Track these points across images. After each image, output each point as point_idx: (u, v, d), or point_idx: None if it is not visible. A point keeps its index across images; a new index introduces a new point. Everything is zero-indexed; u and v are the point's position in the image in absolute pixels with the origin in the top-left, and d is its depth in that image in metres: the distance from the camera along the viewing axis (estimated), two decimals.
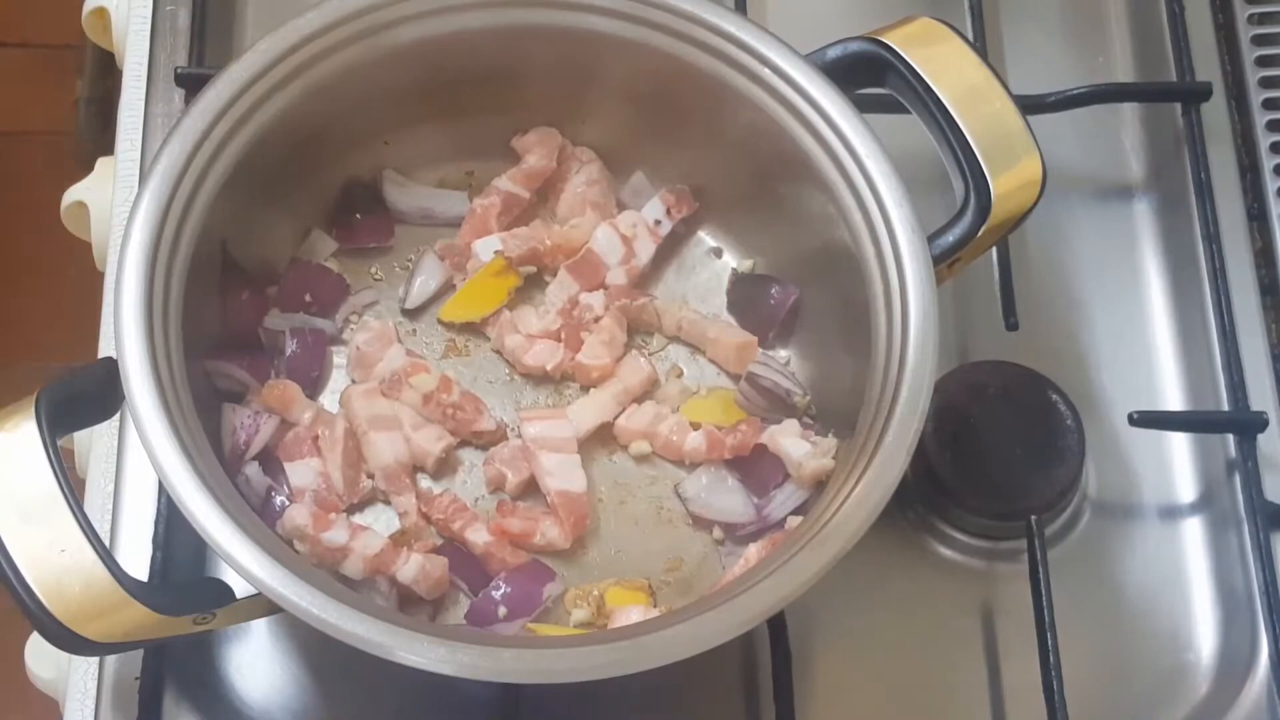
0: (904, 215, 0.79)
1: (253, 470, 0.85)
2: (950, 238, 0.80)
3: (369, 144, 0.91)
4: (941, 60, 0.82)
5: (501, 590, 0.83)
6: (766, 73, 0.83)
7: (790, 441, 0.85)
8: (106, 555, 0.70)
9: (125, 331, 0.75)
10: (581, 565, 0.86)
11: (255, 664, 0.85)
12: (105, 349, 0.89)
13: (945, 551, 0.89)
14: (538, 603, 0.83)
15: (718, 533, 0.86)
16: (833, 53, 0.83)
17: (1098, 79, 1.00)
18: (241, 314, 0.88)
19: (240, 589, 0.74)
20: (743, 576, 0.76)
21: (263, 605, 0.73)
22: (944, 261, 0.80)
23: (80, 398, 0.76)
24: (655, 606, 0.83)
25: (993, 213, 0.79)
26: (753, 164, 0.88)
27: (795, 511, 0.85)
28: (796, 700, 0.82)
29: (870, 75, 0.84)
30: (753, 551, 0.84)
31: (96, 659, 0.83)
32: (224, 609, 0.74)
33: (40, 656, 0.88)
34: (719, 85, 0.85)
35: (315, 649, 0.84)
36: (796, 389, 0.88)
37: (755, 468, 0.86)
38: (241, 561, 0.71)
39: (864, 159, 0.80)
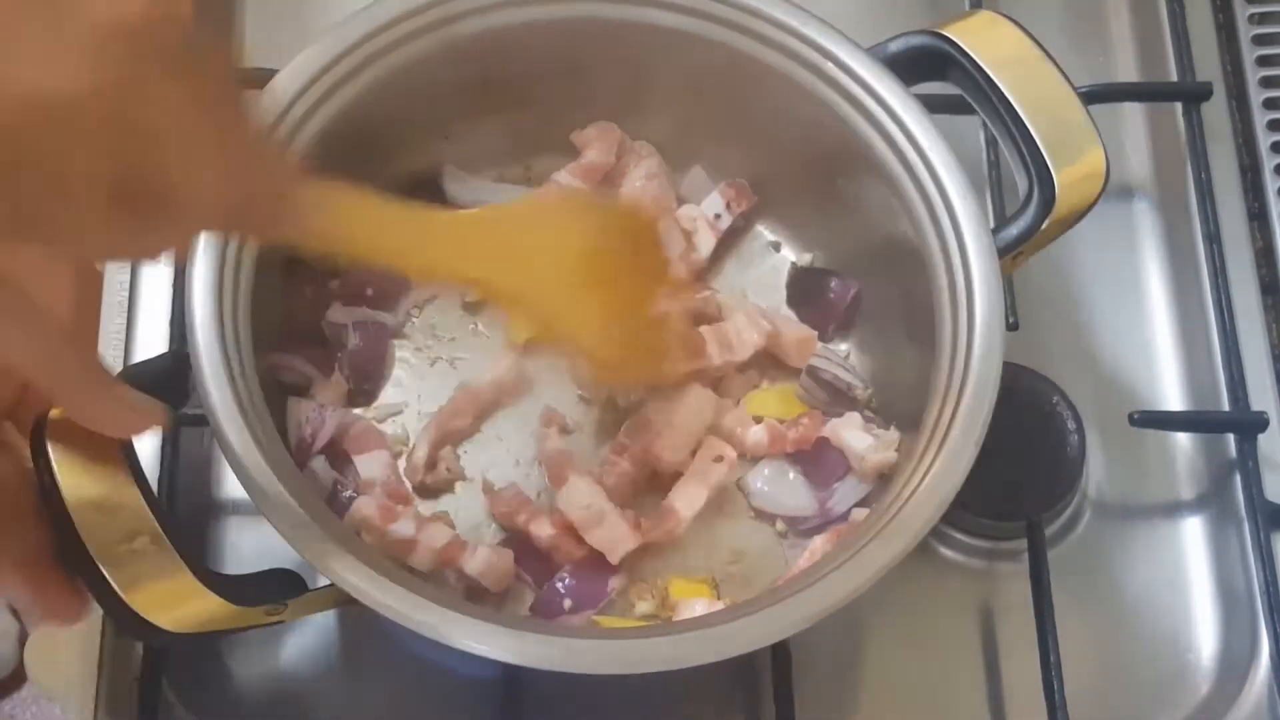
0: (969, 209, 0.79)
1: (319, 464, 0.84)
2: (1015, 230, 0.80)
3: (430, 139, 0.91)
4: (1003, 53, 0.81)
5: (566, 583, 0.82)
6: (829, 66, 0.82)
7: (852, 435, 0.84)
8: (181, 547, 0.69)
9: (196, 324, 0.75)
10: (643, 557, 0.85)
11: (255, 664, 0.85)
12: (103, 346, 0.89)
13: (945, 551, 0.89)
14: (602, 595, 0.82)
15: (780, 525, 0.86)
16: (894, 46, 0.83)
17: (1098, 79, 1.00)
18: (305, 308, 0.88)
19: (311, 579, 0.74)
20: (809, 570, 0.75)
21: (334, 596, 0.73)
22: (1007, 255, 0.79)
23: (144, 389, 0.75)
24: (719, 599, 0.83)
25: (1056, 206, 0.79)
26: (813, 157, 0.87)
27: (859, 504, 0.84)
28: (796, 700, 0.82)
29: (932, 69, 0.83)
30: (818, 544, 0.83)
31: (96, 659, 0.83)
32: (296, 600, 0.74)
33: (40, 656, 0.88)
34: (780, 79, 0.84)
35: (315, 649, 0.84)
36: (857, 382, 0.88)
37: (818, 461, 0.86)
38: (330, 565, 0.71)
39: (927, 151, 0.80)
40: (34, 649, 0.88)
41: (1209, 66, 1.00)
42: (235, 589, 0.71)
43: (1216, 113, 0.99)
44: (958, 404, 0.75)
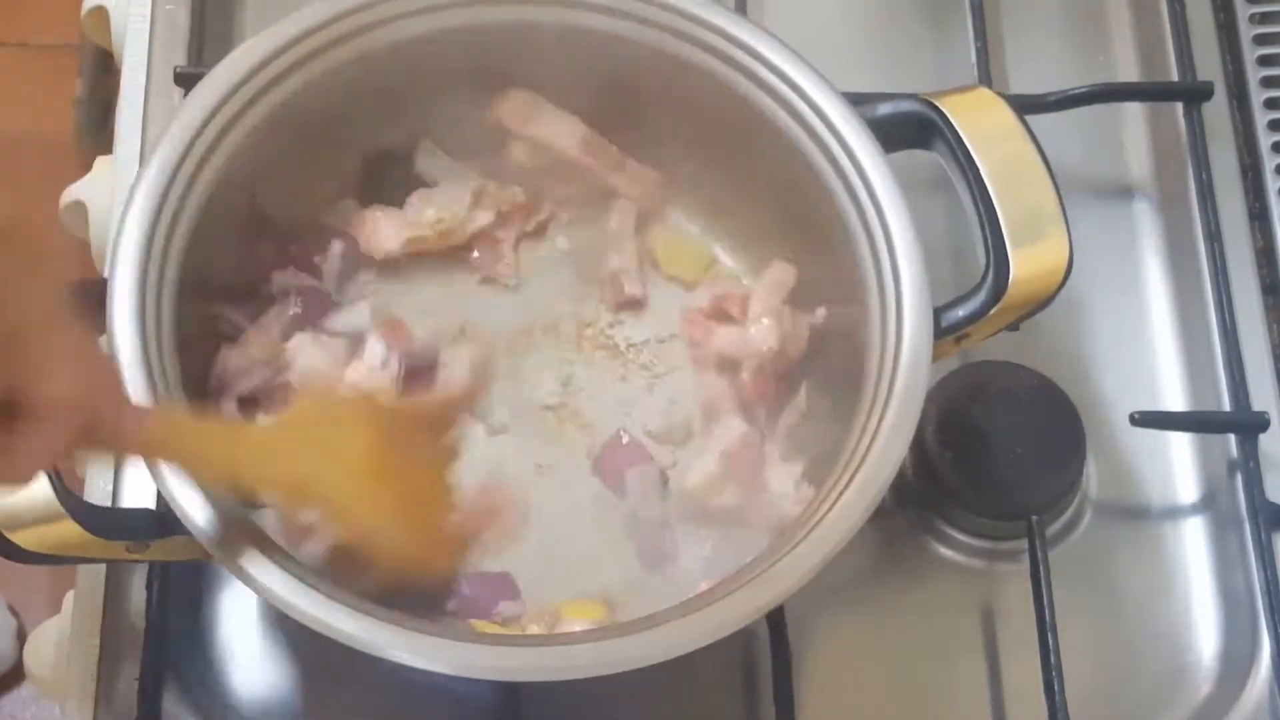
0: (915, 280, 0.78)
1: (228, 408, 0.85)
2: (961, 312, 0.79)
3: (410, 121, 0.91)
4: (990, 133, 0.81)
5: (461, 591, 0.82)
6: (809, 112, 0.82)
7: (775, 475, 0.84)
8: (51, 471, 0.70)
9: (121, 258, 0.77)
10: (541, 581, 0.84)
11: (255, 664, 0.85)
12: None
13: (945, 551, 0.89)
14: (489, 615, 0.82)
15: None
16: (883, 108, 0.83)
17: (1099, 78, 1.00)
18: (257, 264, 0.88)
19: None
20: (733, 577, 0.75)
21: (197, 546, 0.74)
22: (950, 335, 0.79)
23: None
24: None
25: (1009, 294, 0.78)
26: (780, 199, 0.87)
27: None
28: (796, 700, 0.82)
29: (917, 136, 0.82)
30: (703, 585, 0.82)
31: (96, 659, 0.83)
32: (159, 542, 0.75)
33: (39, 657, 0.88)
34: (761, 119, 0.84)
35: (315, 649, 0.84)
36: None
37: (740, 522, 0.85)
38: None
39: (888, 216, 0.79)
40: (34, 649, 0.88)
41: (1210, 66, 1.00)
42: (97, 520, 0.73)
43: (1217, 112, 0.99)
44: (855, 473, 0.74)
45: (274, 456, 0.75)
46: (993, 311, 0.78)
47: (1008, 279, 0.78)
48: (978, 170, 0.79)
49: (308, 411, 0.79)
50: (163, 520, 0.75)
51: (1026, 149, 0.81)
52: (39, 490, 0.71)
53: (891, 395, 0.76)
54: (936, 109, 0.81)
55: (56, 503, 0.71)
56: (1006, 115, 0.82)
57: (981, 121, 0.81)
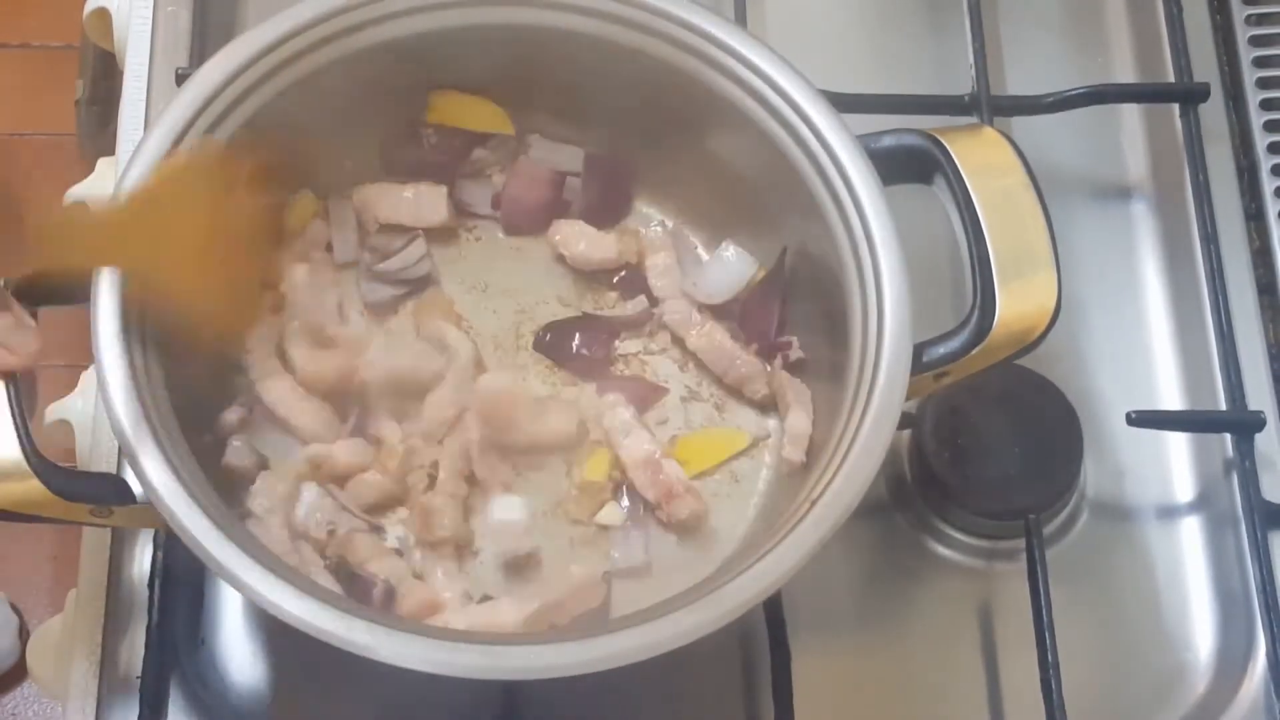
0: (898, 317, 0.77)
1: None
2: (941, 350, 0.78)
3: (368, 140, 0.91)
4: (990, 172, 0.80)
5: None
6: (813, 141, 0.82)
7: None
8: (23, 428, 0.72)
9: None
10: None
11: (258, 663, 0.85)
12: None
13: (945, 551, 0.89)
14: None
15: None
16: (887, 140, 0.82)
17: (1096, 79, 1.00)
18: None
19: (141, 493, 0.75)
20: (723, 568, 0.76)
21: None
22: (929, 372, 0.78)
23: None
24: None
25: (994, 334, 0.77)
26: (769, 211, 0.87)
27: None
28: (796, 700, 0.82)
29: (919, 170, 0.82)
30: None
31: (97, 658, 0.83)
32: (122, 509, 0.75)
33: (41, 656, 0.88)
34: (762, 138, 0.84)
35: (316, 649, 0.84)
36: None
37: None
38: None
39: (879, 251, 0.79)
40: (36, 648, 0.88)
41: (1206, 67, 1.00)
42: (61, 481, 0.73)
43: (1213, 113, 0.99)
44: (822, 493, 0.74)
45: (129, 238, 0.77)
46: (975, 351, 0.77)
47: (993, 319, 0.77)
48: (974, 208, 0.78)
49: (150, 189, 0.79)
50: (126, 487, 0.75)
51: (1025, 191, 0.79)
52: (6, 448, 0.72)
53: (861, 428, 0.75)
54: (940, 144, 0.81)
55: (23, 461, 0.72)
56: (1010, 156, 0.81)
57: (984, 160, 0.80)
